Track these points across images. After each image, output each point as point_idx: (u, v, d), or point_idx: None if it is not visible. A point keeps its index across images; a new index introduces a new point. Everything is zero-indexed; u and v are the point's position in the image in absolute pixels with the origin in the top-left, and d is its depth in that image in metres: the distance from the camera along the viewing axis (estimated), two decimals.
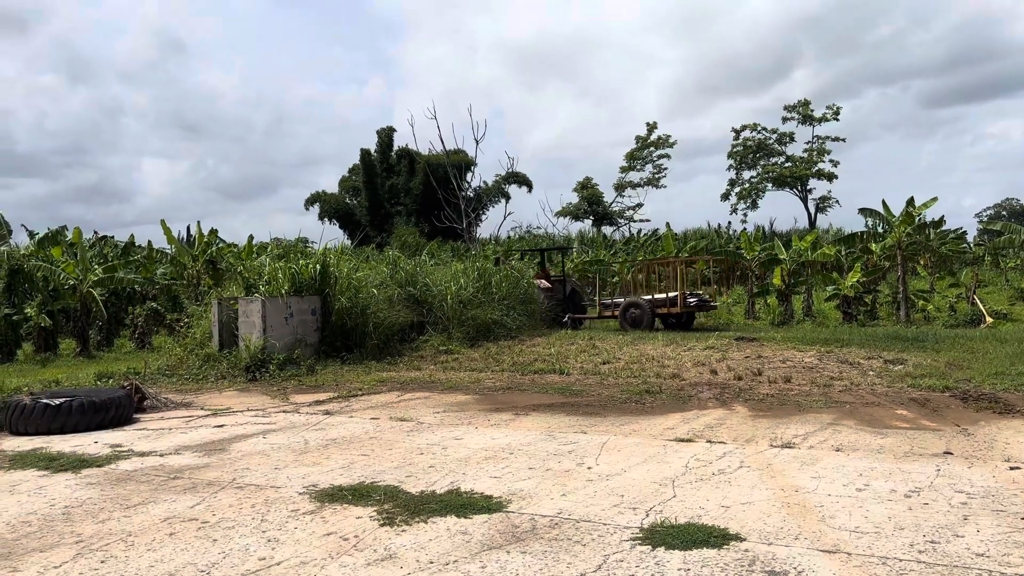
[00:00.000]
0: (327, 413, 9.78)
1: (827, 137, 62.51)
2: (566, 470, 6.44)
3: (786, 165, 62.51)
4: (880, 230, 21.12)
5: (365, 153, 60.23)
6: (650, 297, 19.75)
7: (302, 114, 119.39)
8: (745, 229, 53.94)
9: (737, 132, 63.72)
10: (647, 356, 13.51)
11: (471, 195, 59.66)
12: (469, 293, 17.63)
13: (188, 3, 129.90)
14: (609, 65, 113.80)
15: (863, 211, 20.82)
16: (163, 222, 25.13)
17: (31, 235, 27.06)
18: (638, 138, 64.96)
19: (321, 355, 14.50)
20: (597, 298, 22.95)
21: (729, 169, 64.82)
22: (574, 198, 65.78)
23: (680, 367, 12.41)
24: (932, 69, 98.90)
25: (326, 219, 62.34)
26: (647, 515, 5.14)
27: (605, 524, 4.99)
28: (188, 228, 54.51)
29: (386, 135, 62.21)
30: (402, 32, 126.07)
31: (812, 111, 62.61)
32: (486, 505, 5.47)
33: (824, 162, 62.02)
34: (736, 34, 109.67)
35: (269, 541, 4.90)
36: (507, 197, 62.43)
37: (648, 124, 64.93)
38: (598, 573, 4.17)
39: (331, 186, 65.51)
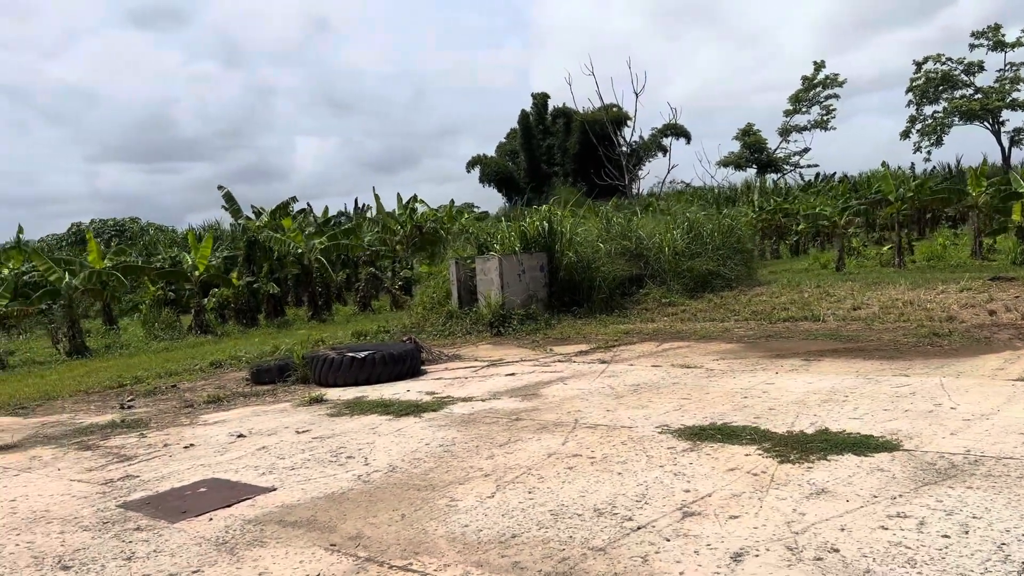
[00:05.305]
0: (602, 362, 9.93)
1: (1021, 64, 56.54)
2: (928, 411, 6.17)
3: (976, 97, 57.18)
4: None
5: (524, 116, 60.37)
6: None
7: (441, 83, 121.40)
8: (934, 167, 50.11)
9: (919, 64, 58.85)
10: (901, 301, 12.79)
11: (627, 151, 58.67)
12: (684, 244, 17.39)
13: None
14: (753, 5, 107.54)
15: None
16: (373, 189, 26.40)
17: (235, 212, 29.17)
18: (804, 78, 61.65)
19: (552, 309, 14.78)
20: None
21: (909, 105, 60.10)
22: (732, 147, 63.36)
23: (947, 310, 11.66)
24: None
25: (486, 182, 63.27)
26: None
27: None
28: (356, 201, 57.09)
29: (541, 100, 61.99)
30: None
31: (1003, 36, 56.76)
32: (877, 444, 5.32)
33: (1019, 91, 56.24)
34: None
35: (676, 475, 4.99)
36: (665, 151, 60.98)
37: (815, 63, 61.49)
38: None
39: (473, 154, 65.94)
